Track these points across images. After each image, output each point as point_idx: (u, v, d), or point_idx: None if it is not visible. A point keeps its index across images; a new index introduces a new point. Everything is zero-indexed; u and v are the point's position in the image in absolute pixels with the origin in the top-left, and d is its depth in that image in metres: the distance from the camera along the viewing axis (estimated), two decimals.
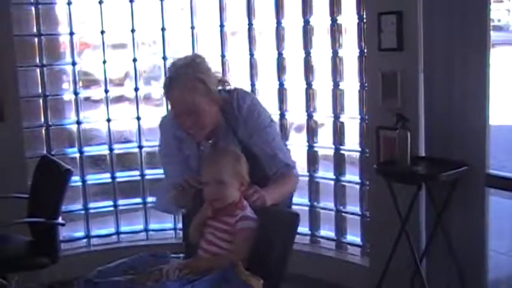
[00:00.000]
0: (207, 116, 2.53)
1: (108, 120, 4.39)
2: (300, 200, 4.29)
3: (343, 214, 4.13)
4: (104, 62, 4.34)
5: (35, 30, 4.21)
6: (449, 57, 3.38)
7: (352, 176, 4.08)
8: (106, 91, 4.37)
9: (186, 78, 2.46)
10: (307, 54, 4.11)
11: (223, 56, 4.35)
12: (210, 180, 2.40)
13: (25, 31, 4.19)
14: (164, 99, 2.83)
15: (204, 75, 2.50)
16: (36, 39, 4.21)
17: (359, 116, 3.92)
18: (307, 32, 4.09)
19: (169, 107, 2.62)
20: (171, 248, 2.71)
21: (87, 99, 4.49)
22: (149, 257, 2.48)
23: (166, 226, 4.56)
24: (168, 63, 4.24)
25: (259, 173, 2.56)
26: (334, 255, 4.16)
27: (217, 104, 2.55)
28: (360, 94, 3.90)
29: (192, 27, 4.35)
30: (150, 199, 4.46)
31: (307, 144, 4.21)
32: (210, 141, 2.63)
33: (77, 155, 4.39)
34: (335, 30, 3.97)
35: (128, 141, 4.61)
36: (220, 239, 2.41)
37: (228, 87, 2.68)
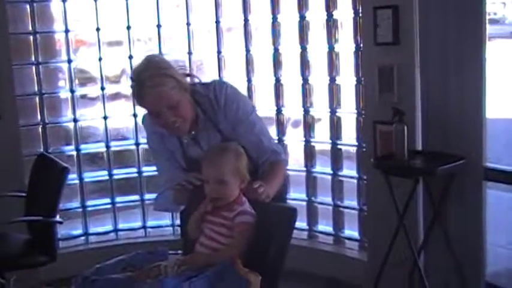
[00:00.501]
0: (185, 106, 2.54)
1: (105, 118, 4.39)
2: (297, 195, 4.30)
3: (341, 209, 4.14)
4: (100, 59, 4.33)
5: (30, 28, 4.20)
6: (445, 50, 3.38)
7: (349, 170, 4.08)
8: (102, 88, 4.37)
9: (152, 78, 2.46)
10: (304, 49, 4.11)
11: (219, 52, 4.35)
12: (210, 179, 2.40)
13: (20, 29, 4.19)
14: None
15: (167, 70, 2.52)
16: (31, 37, 4.21)
17: (356, 111, 3.92)
18: (303, 27, 4.09)
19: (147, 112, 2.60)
20: (169, 244, 2.71)
21: (83, 96, 4.48)
22: (147, 253, 2.48)
23: (164, 223, 4.56)
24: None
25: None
26: (332, 249, 4.16)
27: (189, 94, 2.57)
28: (357, 89, 3.90)
29: (188, 24, 4.34)
30: (147, 196, 4.47)
31: (304, 139, 4.21)
32: (192, 133, 2.63)
33: (74, 153, 4.39)
34: (331, 25, 3.97)
35: (124, 138, 4.61)
36: (219, 233, 2.41)
37: (204, 81, 2.70)
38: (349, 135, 4.06)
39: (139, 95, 2.50)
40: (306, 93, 4.16)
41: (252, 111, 2.71)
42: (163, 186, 2.74)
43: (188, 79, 2.65)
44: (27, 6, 4.18)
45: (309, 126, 4.20)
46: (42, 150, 4.22)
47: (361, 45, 3.76)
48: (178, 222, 3.97)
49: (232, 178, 2.40)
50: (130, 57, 4.36)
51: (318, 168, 4.23)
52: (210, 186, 2.41)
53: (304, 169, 4.24)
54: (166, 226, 4.56)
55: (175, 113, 2.52)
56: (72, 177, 4.24)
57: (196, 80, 2.72)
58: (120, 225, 4.54)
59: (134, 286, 2.28)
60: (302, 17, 4.07)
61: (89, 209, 4.48)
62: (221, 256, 2.35)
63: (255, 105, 2.78)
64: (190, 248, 2.50)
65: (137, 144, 4.45)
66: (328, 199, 4.18)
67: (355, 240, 4.10)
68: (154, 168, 4.20)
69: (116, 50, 4.44)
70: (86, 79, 4.53)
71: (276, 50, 4.23)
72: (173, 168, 2.71)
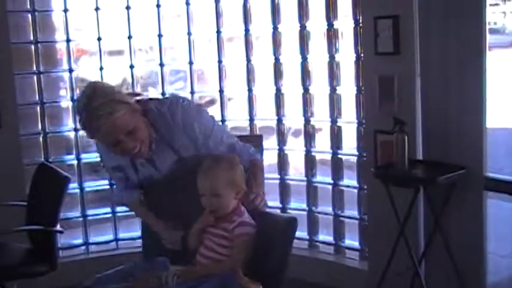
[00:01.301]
0: (142, 128, 2.49)
1: None
2: (298, 205, 4.31)
3: (342, 218, 4.13)
4: (101, 68, 4.34)
5: (31, 37, 4.21)
6: (446, 60, 3.39)
7: (350, 180, 4.08)
8: None
9: (104, 107, 2.36)
10: (304, 59, 4.12)
11: (220, 62, 4.35)
12: (205, 193, 2.41)
13: (22, 39, 4.19)
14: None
15: (116, 95, 2.42)
16: (33, 47, 4.21)
17: (356, 120, 3.93)
18: (303, 37, 4.10)
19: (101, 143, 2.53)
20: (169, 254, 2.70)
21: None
22: (147, 263, 2.48)
23: None
24: (161, 70, 4.27)
25: None
26: (333, 259, 4.16)
27: (141, 114, 2.51)
28: (357, 98, 3.90)
29: (189, 34, 4.35)
30: None
31: (304, 149, 4.21)
32: (150, 153, 2.58)
33: (75, 162, 4.39)
34: (331, 35, 3.98)
35: None
36: (218, 244, 2.41)
37: (157, 97, 2.68)
38: (349, 145, 4.05)
39: (93, 128, 2.39)
40: (306, 103, 4.16)
41: (213, 123, 2.67)
42: (119, 192, 2.80)
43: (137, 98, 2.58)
44: (29, 16, 4.19)
45: (309, 135, 4.20)
46: (43, 159, 4.22)
47: (362, 54, 3.77)
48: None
49: (227, 190, 2.40)
50: (132, 66, 4.37)
51: (318, 177, 4.23)
52: (206, 199, 2.41)
53: (305, 179, 4.24)
54: None
55: (135, 138, 2.46)
56: (73, 187, 4.24)
57: (143, 97, 2.66)
58: (121, 235, 4.53)
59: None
60: (303, 27, 4.08)
61: (90, 218, 4.47)
62: (222, 267, 2.35)
63: (212, 115, 2.73)
64: (190, 258, 2.50)
65: None
66: (329, 209, 4.17)
67: (356, 249, 4.09)
68: None
69: (117, 60, 4.45)
70: None
71: (277, 60, 4.23)
72: (125, 181, 2.71)
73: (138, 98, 2.60)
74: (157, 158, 2.60)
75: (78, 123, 2.53)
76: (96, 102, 2.36)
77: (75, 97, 4.33)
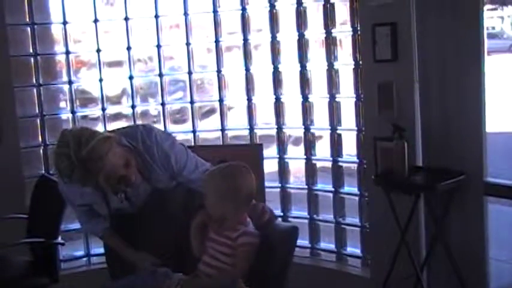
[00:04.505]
0: (131, 157, 2.51)
1: None
2: (299, 213, 4.30)
3: (343, 226, 4.13)
4: (101, 80, 4.35)
5: (31, 50, 4.22)
6: (444, 66, 3.39)
7: (350, 187, 4.08)
8: (103, 109, 4.38)
9: (95, 153, 2.33)
10: (303, 67, 4.12)
11: (219, 71, 4.36)
12: (208, 200, 2.42)
13: (21, 51, 4.21)
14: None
15: (96, 135, 2.40)
16: (32, 59, 4.23)
17: (356, 128, 3.93)
18: (302, 45, 4.10)
19: (100, 180, 2.45)
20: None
21: (84, 117, 4.49)
22: (150, 276, 2.48)
23: None
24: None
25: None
26: (335, 267, 4.15)
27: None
28: (356, 106, 3.90)
29: (188, 44, 4.36)
30: None
31: (305, 157, 4.21)
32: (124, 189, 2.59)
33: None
34: (330, 42, 3.98)
35: None
36: (221, 252, 2.42)
37: (122, 128, 2.67)
38: (349, 152, 4.06)
39: (91, 173, 2.35)
40: (306, 111, 4.17)
41: (186, 153, 2.69)
42: (84, 224, 2.84)
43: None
44: (28, 29, 4.20)
45: (309, 143, 4.20)
46: (43, 171, 4.22)
47: (361, 62, 3.78)
48: None
49: (219, 201, 2.40)
50: (131, 77, 4.38)
51: (319, 185, 4.23)
52: (208, 207, 2.43)
53: (306, 187, 4.23)
54: None
55: (131, 168, 2.47)
56: None
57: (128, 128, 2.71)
58: None
59: None
60: (301, 35, 4.09)
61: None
62: (224, 277, 2.35)
63: (183, 143, 2.77)
64: (193, 266, 2.50)
65: None
66: (330, 216, 4.17)
67: (358, 257, 4.08)
68: None
69: (116, 71, 4.46)
70: (87, 100, 4.54)
71: (276, 69, 4.24)
72: (90, 214, 2.74)
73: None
74: (130, 191, 2.61)
75: (67, 181, 2.41)
76: (85, 150, 2.32)
77: (75, 109, 4.34)
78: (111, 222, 2.72)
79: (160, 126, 4.32)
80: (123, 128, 2.80)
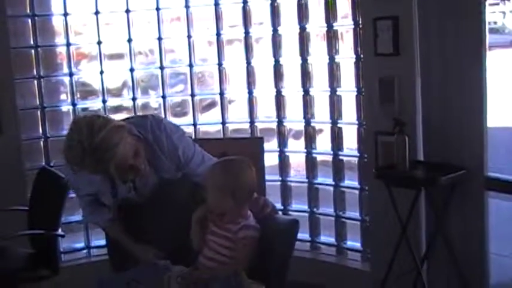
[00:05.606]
0: (141, 146, 2.51)
1: None
2: (299, 207, 4.30)
3: (343, 220, 4.13)
4: (101, 72, 4.34)
5: (31, 42, 4.21)
6: (445, 60, 3.39)
7: (351, 181, 4.08)
8: (104, 101, 4.37)
9: (107, 141, 2.33)
10: (304, 60, 4.12)
11: (220, 65, 4.35)
12: (209, 194, 2.42)
13: (22, 43, 4.20)
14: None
15: (109, 123, 2.39)
16: (33, 51, 4.22)
17: (357, 122, 3.93)
18: (303, 38, 4.10)
19: (111, 170, 2.42)
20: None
21: (85, 109, 4.49)
22: (150, 268, 2.49)
23: None
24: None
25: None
26: (335, 261, 4.15)
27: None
28: (357, 99, 3.90)
29: (189, 36, 4.35)
30: None
31: (305, 150, 4.21)
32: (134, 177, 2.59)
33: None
34: (331, 36, 3.98)
35: None
36: (222, 245, 2.42)
37: (132, 118, 2.68)
38: (350, 146, 4.06)
39: (102, 161, 2.34)
40: (307, 105, 4.16)
41: (194, 145, 2.70)
42: (88, 215, 2.83)
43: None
44: (29, 21, 4.19)
45: (310, 137, 4.20)
46: (44, 163, 4.22)
47: (362, 56, 3.77)
48: None
49: (217, 194, 2.40)
50: (132, 70, 4.37)
51: (319, 179, 4.23)
52: (209, 201, 2.43)
53: (306, 180, 4.24)
54: None
55: (140, 157, 2.47)
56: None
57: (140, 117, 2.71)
58: None
59: None
60: (302, 29, 4.08)
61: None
62: (224, 270, 2.35)
63: (191, 137, 2.78)
64: (193, 259, 2.51)
65: None
66: (330, 210, 4.17)
67: (358, 251, 4.09)
68: None
69: (117, 63, 4.45)
70: (88, 92, 4.54)
71: (277, 62, 4.24)
72: (95, 204, 2.73)
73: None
74: (138, 181, 2.61)
75: (76, 169, 2.41)
76: (98, 138, 2.31)
77: (75, 101, 4.34)
78: (116, 213, 2.72)
79: None
80: (133, 117, 2.81)
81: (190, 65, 4.39)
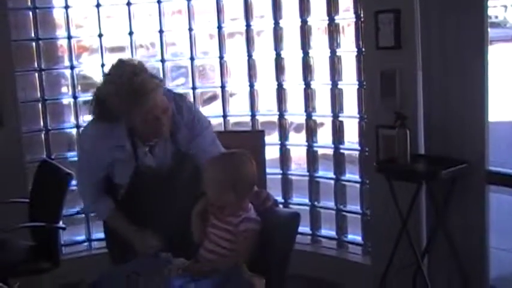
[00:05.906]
0: (170, 107, 2.56)
1: None
2: (300, 200, 4.30)
3: (344, 213, 4.14)
4: (103, 65, 4.33)
5: (32, 34, 4.21)
6: (447, 54, 3.38)
7: (352, 175, 4.08)
8: None
9: (149, 81, 2.42)
10: (306, 54, 4.11)
11: (221, 58, 4.35)
12: (209, 186, 2.43)
13: (23, 36, 4.19)
14: None
15: (148, 70, 2.50)
16: (34, 44, 4.21)
17: (358, 115, 3.93)
18: (305, 32, 4.09)
19: (137, 116, 2.47)
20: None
21: (86, 102, 4.48)
22: (150, 260, 2.49)
23: None
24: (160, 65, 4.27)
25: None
26: (336, 254, 4.16)
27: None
28: (359, 93, 3.90)
29: (190, 29, 4.35)
30: None
31: (306, 144, 4.21)
32: (155, 140, 2.61)
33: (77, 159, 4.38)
34: (333, 29, 3.97)
35: None
36: (222, 238, 2.42)
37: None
38: (351, 140, 4.06)
39: (133, 103, 2.40)
40: (308, 98, 4.16)
41: (209, 123, 2.77)
42: (91, 204, 2.79)
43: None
44: (30, 13, 4.19)
45: (311, 130, 4.20)
46: (45, 156, 4.22)
47: (363, 49, 3.77)
48: None
49: (216, 188, 2.40)
50: None
51: (320, 172, 4.23)
52: (209, 195, 2.44)
53: (307, 174, 4.24)
54: None
55: (168, 116, 2.52)
56: (75, 183, 4.24)
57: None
58: None
59: (139, 280, 2.30)
60: (304, 22, 4.08)
61: (92, 214, 4.47)
62: (225, 262, 2.35)
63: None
64: (194, 252, 2.51)
65: None
66: (331, 203, 4.17)
67: (358, 244, 4.09)
68: None
69: (118, 56, 4.43)
70: (89, 85, 4.53)
71: (278, 55, 4.23)
72: (98, 194, 2.73)
73: None
74: (158, 147, 2.63)
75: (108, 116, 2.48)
76: (141, 77, 2.40)
77: (76, 94, 4.34)
78: (127, 189, 2.69)
79: None
80: None
81: (192, 58, 4.38)
